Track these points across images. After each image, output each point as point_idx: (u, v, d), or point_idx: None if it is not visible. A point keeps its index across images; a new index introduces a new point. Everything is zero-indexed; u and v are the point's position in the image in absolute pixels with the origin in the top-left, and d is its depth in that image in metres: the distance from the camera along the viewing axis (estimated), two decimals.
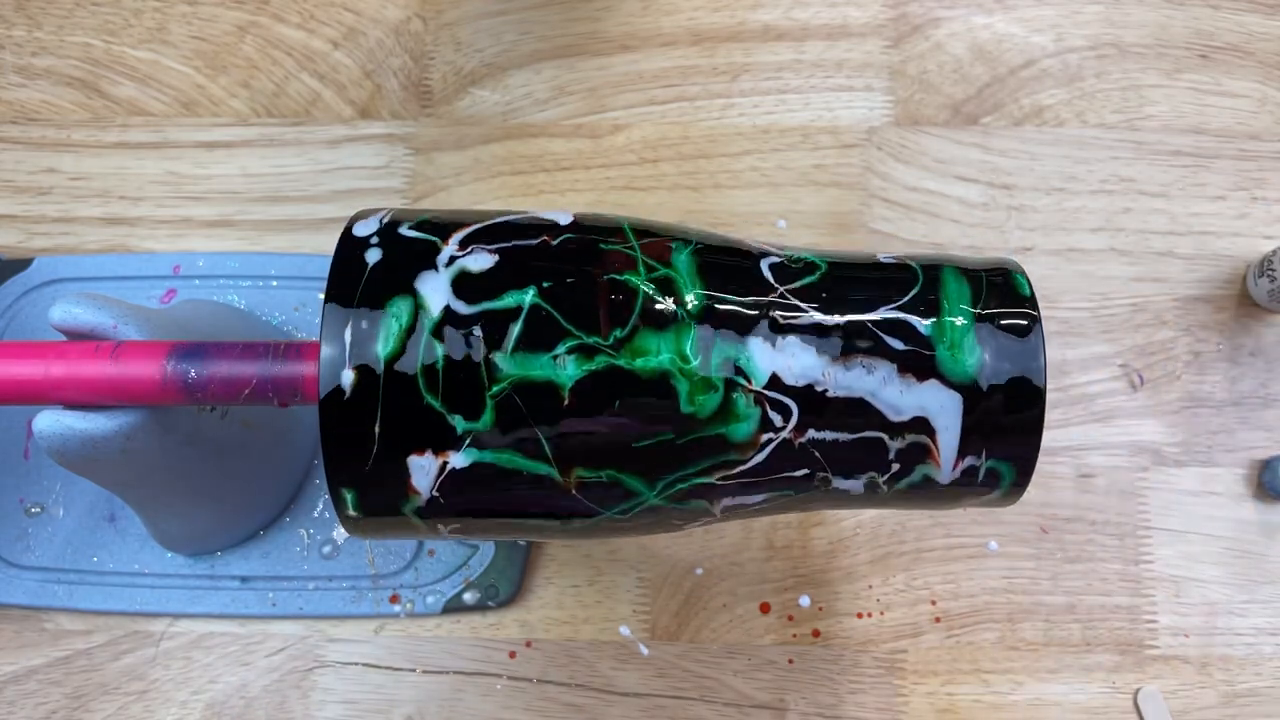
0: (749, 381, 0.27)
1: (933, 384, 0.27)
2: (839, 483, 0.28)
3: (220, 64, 0.48)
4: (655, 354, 0.26)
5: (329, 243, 0.28)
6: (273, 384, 0.29)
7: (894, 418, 0.27)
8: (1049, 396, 0.38)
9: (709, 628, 0.41)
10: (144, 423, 0.31)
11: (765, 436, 0.27)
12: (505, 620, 0.41)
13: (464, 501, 0.27)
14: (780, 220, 0.45)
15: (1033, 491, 0.42)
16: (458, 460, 0.26)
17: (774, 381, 0.27)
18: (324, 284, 0.27)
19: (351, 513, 0.27)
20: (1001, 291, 0.28)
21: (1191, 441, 0.43)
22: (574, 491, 0.27)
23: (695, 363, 0.27)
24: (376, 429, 0.26)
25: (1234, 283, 0.44)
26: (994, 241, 0.45)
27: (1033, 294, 0.28)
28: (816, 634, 0.41)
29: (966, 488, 0.28)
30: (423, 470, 0.26)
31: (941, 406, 0.27)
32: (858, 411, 0.27)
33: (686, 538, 0.42)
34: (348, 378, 0.26)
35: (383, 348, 0.26)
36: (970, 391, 0.27)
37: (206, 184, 0.46)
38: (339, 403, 0.26)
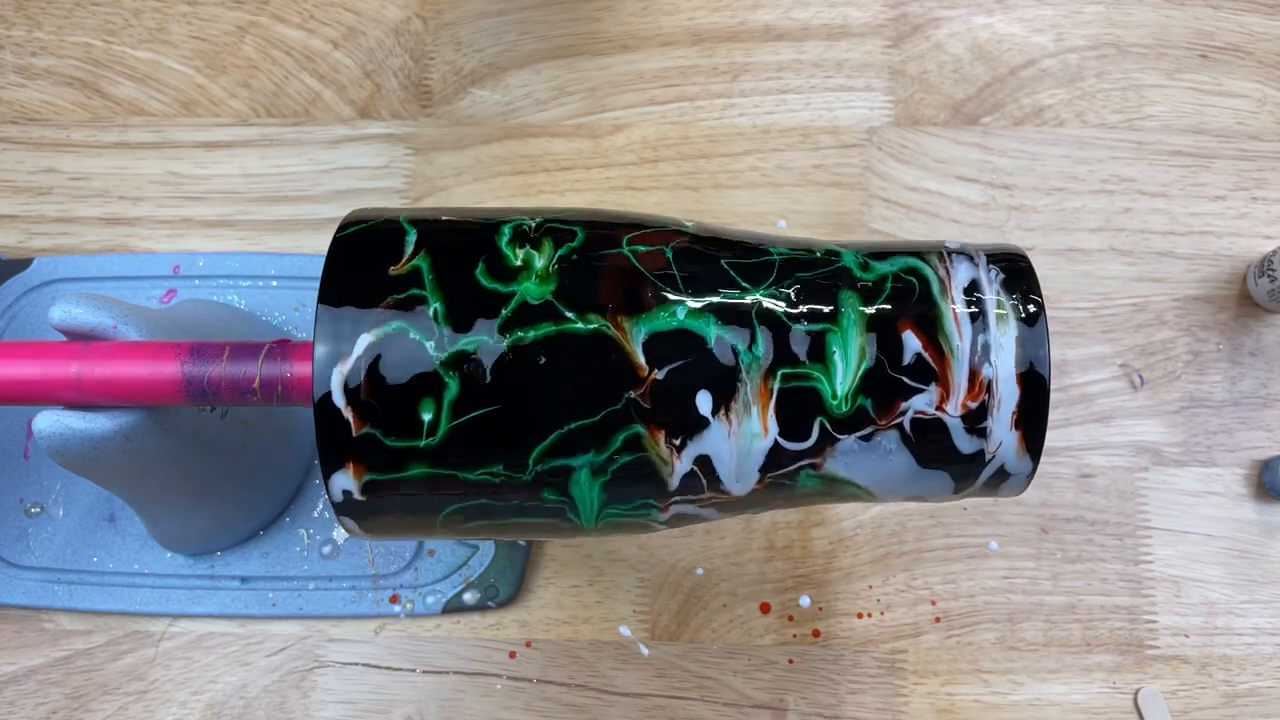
0: None
1: None
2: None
3: (220, 64, 0.48)
4: None
5: (328, 243, 0.28)
6: (274, 383, 0.29)
7: None
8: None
9: (709, 628, 0.41)
10: (144, 423, 0.31)
11: None
12: (505, 620, 0.41)
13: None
14: (780, 220, 0.45)
15: (1033, 491, 0.42)
16: None
17: None
18: None
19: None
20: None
21: (1191, 441, 0.43)
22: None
23: None
24: None
25: (1234, 283, 0.44)
26: (994, 241, 0.45)
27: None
28: (816, 634, 0.41)
29: None
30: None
31: None
32: None
33: (687, 537, 0.42)
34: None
35: None
36: None
37: (206, 184, 0.46)
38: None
